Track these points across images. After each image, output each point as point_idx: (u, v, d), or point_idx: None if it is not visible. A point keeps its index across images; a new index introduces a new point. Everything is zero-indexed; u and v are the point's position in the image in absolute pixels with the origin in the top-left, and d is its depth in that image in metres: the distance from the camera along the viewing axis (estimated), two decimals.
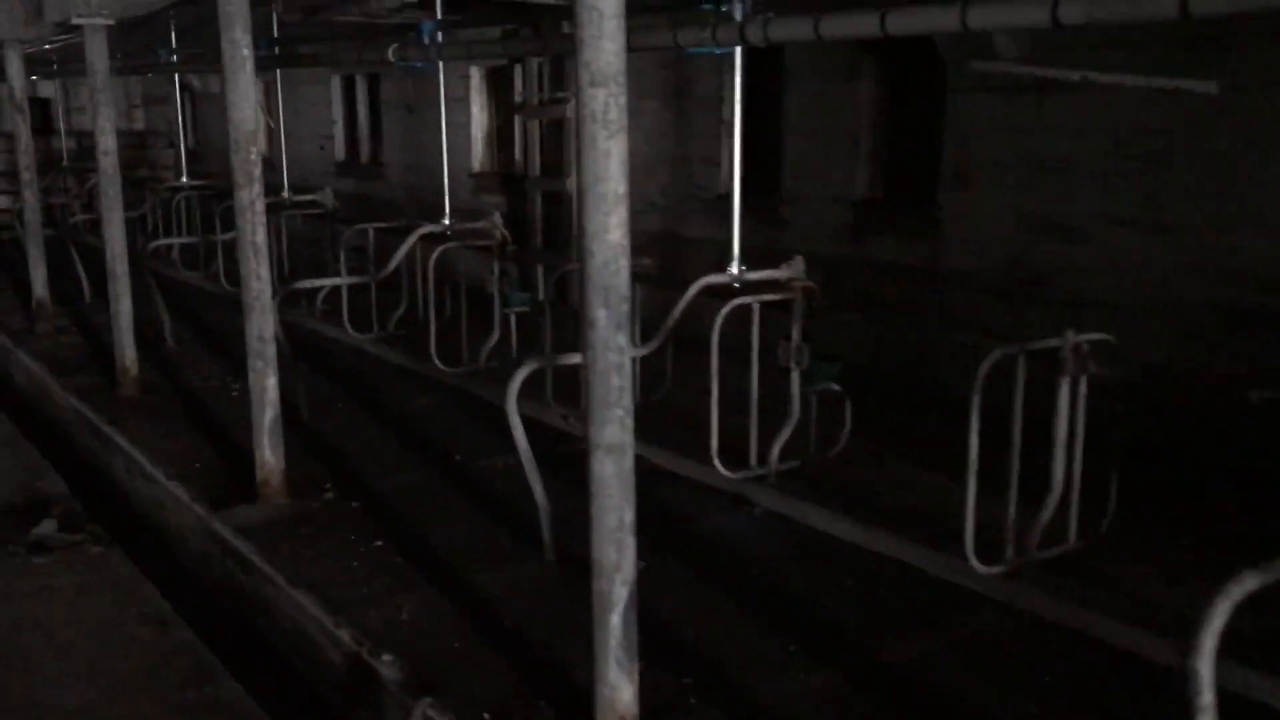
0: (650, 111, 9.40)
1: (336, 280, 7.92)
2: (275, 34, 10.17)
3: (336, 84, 14.45)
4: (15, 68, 9.45)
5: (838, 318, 6.47)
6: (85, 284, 11.21)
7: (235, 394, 7.76)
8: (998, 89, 6.69)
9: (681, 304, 5.44)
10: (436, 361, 7.59)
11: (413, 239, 7.56)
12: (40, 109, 21.36)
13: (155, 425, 7.06)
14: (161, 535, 6.11)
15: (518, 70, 11.29)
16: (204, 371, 8.41)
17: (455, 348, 7.80)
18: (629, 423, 3.20)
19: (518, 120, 11.36)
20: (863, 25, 5.33)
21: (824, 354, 5.48)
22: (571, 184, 10.39)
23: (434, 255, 7.46)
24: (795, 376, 5.45)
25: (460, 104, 11.93)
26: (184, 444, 6.70)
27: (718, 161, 8.85)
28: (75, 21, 7.10)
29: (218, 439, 6.76)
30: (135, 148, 19.23)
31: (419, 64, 7.88)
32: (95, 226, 13.81)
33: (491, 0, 8.58)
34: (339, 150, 14.68)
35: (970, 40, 6.90)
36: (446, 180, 8.32)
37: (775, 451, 5.47)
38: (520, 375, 4.64)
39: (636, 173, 9.62)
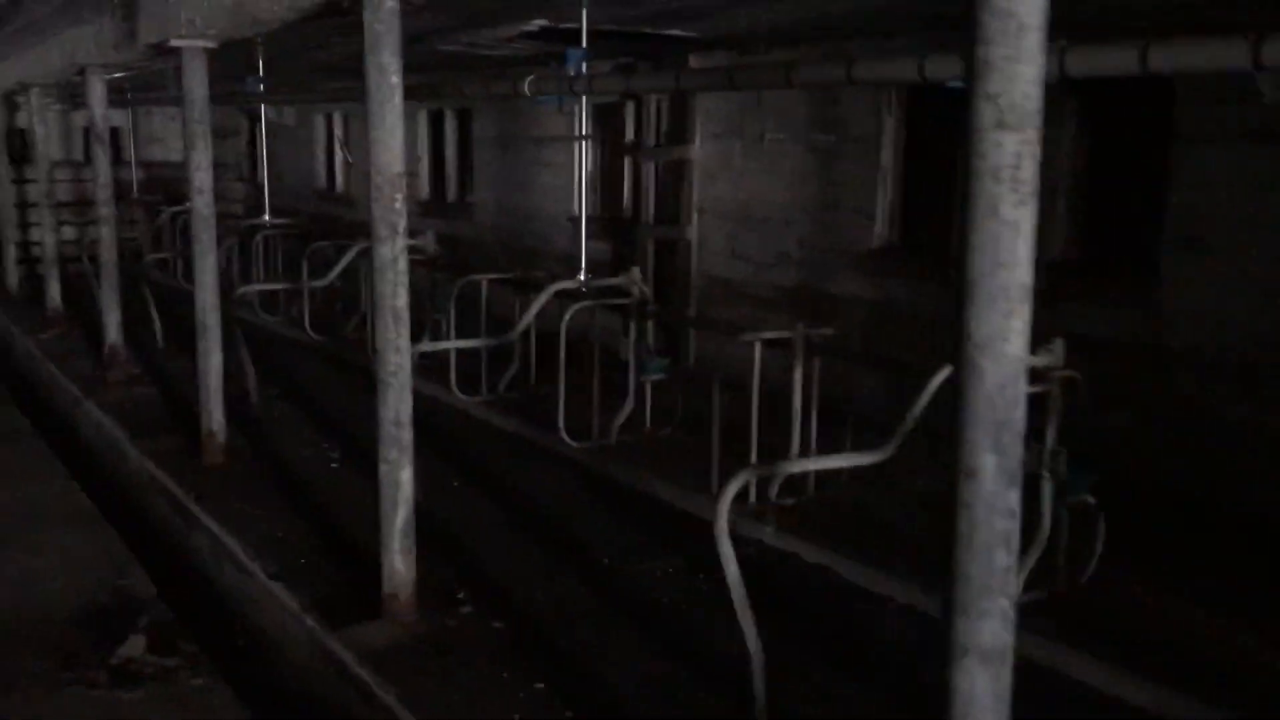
0: (790, 153, 8.46)
1: (471, 343, 6.97)
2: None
3: (423, 118, 13.68)
4: (97, 95, 8.70)
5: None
6: (158, 327, 10.41)
7: (335, 466, 6.86)
8: (1245, 136, 5.68)
9: (924, 395, 4.40)
10: (564, 435, 6.63)
11: (545, 296, 6.63)
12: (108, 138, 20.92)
13: (247, 503, 6.15)
14: (255, 636, 5.20)
15: (629, 107, 10.42)
16: (297, 437, 7.52)
17: (580, 417, 6.85)
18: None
19: (628, 161, 10.48)
20: (1116, 60, 4.39)
21: (1080, 459, 4.45)
22: (691, 232, 9.48)
23: (567, 315, 6.51)
24: (1048, 487, 4.42)
25: (563, 143, 11.07)
26: (283, 529, 5.78)
27: (872, 212, 7.88)
28: (175, 44, 6.29)
29: (322, 525, 5.84)
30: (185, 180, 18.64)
31: (557, 99, 7.00)
32: (165, 264, 13.13)
33: (621, 32, 7.70)
34: (423, 189, 13.88)
35: (1217, 81, 5.94)
36: (584, 229, 7.34)
37: (1020, 580, 4.43)
38: (732, 489, 3.66)
39: (773, 221, 8.67)
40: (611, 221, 10.67)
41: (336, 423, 7.85)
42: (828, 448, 5.73)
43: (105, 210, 8.84)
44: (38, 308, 12.51)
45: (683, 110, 9.43)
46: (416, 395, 8.71)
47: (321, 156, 16.57)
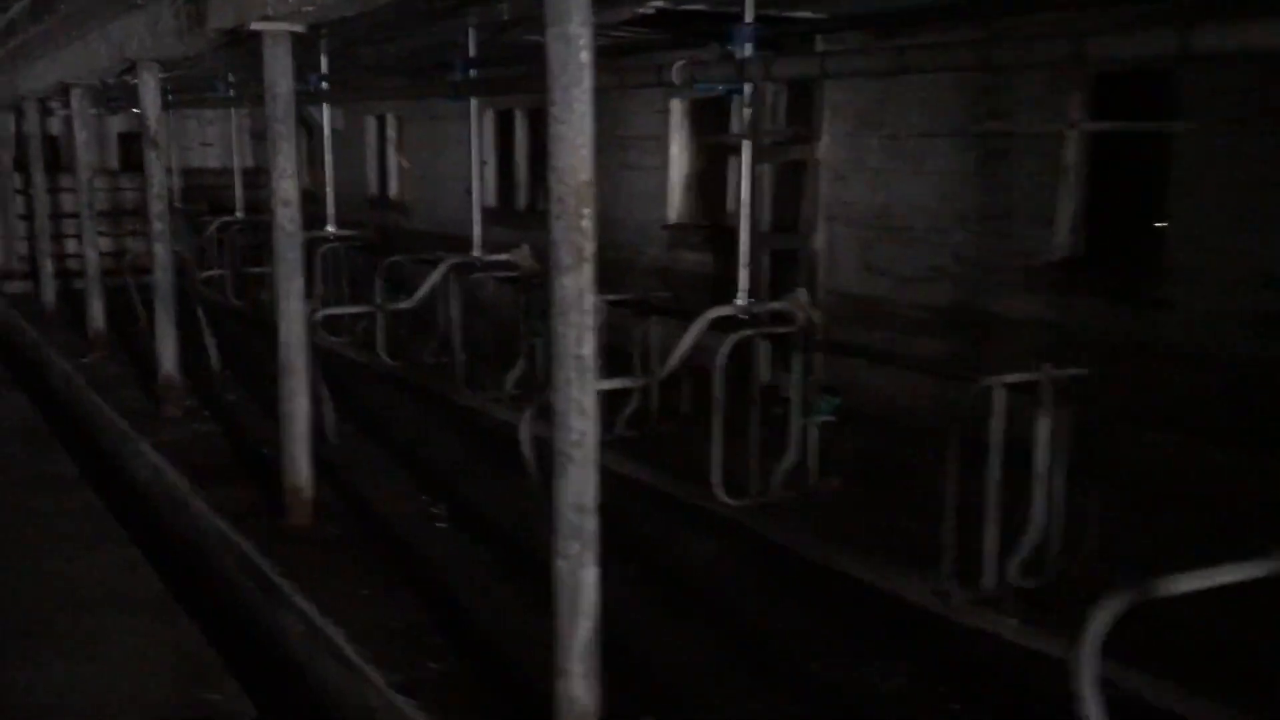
0: (943, 151, 7.36)
1: (620, 382, 5.82)
2: (471, 55, 8.32)
3: (489, 120, 12.62)
4: (150, 92, 7.69)
5: None
6: (214, 353, 9.39)
7: (443, 526, 5.79)
8: None
9: None
10: (720, 492, 5.53)
11: (701, 324, 5.53)
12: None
13: (346, 578, 5.09)
14: None
15: (735, 102, 9.31)
16: (390, 487, 6.46)
17: (727, 465, 5.75)
18: None
19: (732, 163, 9.38)
20: None
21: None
22: (816, 242, 8.38)
23: (725, 348, 5.40)
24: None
25: (654, 144, 10.01)
26: (397, 616, 4.71)
27: (1050, 218, 6.76)
28: (256, 27, 5.25)
29: (447, 612, 4.77)
30: (245, 186, 17.64)
31: (720, 88, 5.93)
32: (210, 281, 12.14)
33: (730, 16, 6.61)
34: (489, 195, 12.82)
35: None
36: (745, 244, 6.22)
37: None
38: (1101, 624, 2.55)
39: (918, 229, 7.55)
40: (713, 230, 9.59)
41: (431, 468, 6.80)
42: (1076, 518, 4.64)
43: (159, 224, 7.82)
44: (76, 328, 11.54)
45: (806, 103, 8.33)
46: (505, 425, 7.71)
47: (373, 161, 15.55)
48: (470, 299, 7.96)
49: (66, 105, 15.05)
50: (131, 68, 7.90)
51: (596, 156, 11.69)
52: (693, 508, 5.78)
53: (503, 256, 7.87)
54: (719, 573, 5.09)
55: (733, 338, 5.44)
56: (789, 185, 8.47)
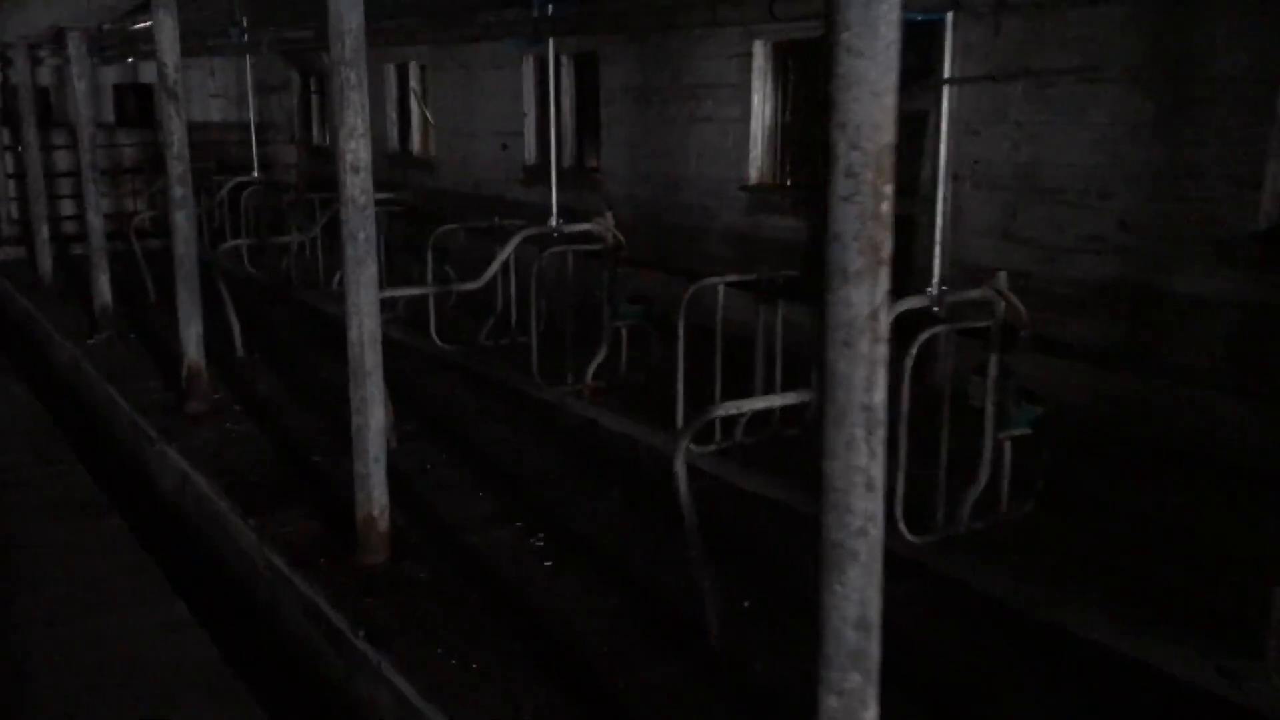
0: (1110, 99, 6.23)
1: (782, 399, 4.65)
2: None
3: (529, 68, 11.42)
4: (168, 34, 6.52)
5: None
6: (237, 334, 8.28)
7: (549, 565, 4.73)
8: None
9: None
10: (903, 527, 4.46)
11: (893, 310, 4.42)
12: (138, 96, 18.63)
13: (444, 641, 4.04)
14: None
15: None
16: (470, 508, 5.39)
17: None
18: None
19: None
20: None
21: None
22: (939, 206, 7.25)
23: (913, 347, 4.29)
24: None
25: (734, 93, 8.84)
26: (516, 695, 3.67)
27: (1256, 181, 5.66)
28: None
29: (581, 689, 3.72)
30: (237, 142, 16.40)
31: (920, 17, 4.81)
32: (227, 250, 10.97)
33: None
34: (528, 152, 11.66)
35: None
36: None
37: None
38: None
39: (1073, 191, 6.36)
40: (803, 191, 8.46)
41: (514, 480, 5.74)
42: None
43: (180, 189, 6.68)
44: (76, 302, 10.41)
45: (926, 40, 7.16)
46: (591, 424, 6.62)
47: (393, 114, 14.32)
48: (540, 274, 6.82)
49: (58, 52, 13.82)
50: (144, 6, 6.71)
51: (653, 107, 10.37)
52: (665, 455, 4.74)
53: (583, 227, 6.74)
54: (916, 631, 4.04)
55: (922, 336, 4.34)
56: (905, 140, 7.33)
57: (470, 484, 5.71)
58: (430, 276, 7.67)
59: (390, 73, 14.16)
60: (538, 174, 11.50)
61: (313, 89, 16.65)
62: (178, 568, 5.20)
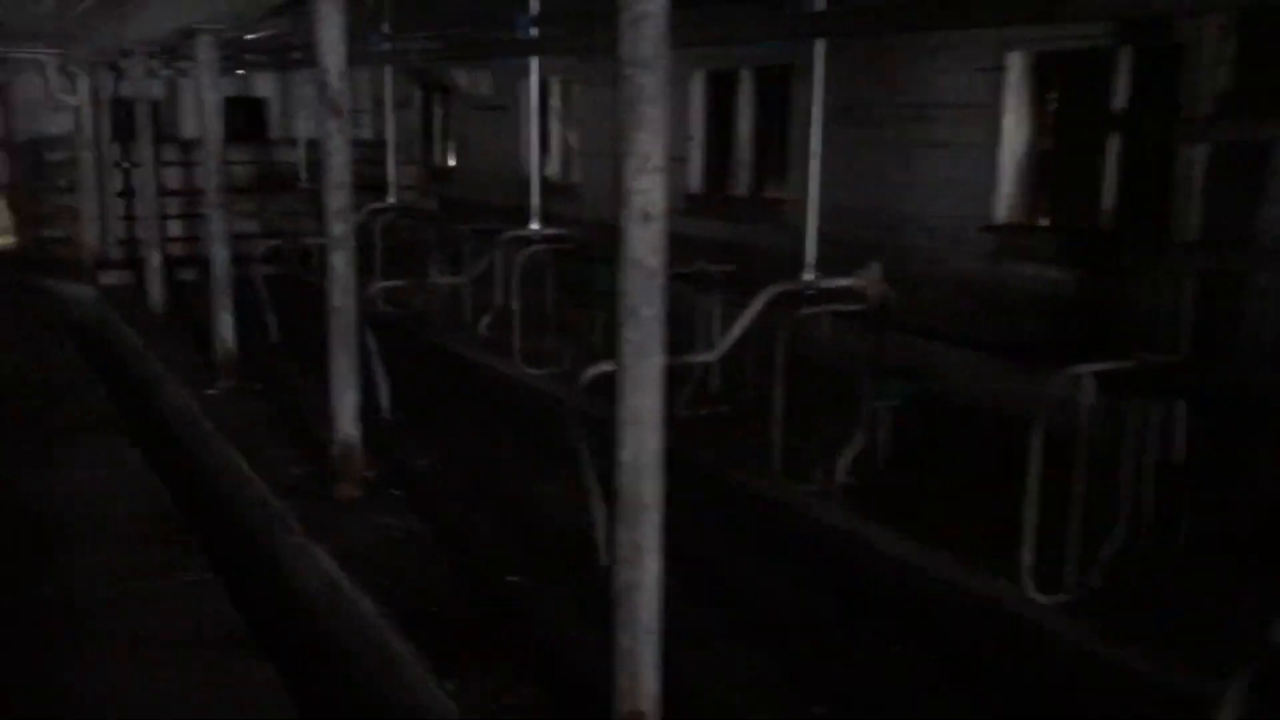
0: None
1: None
2: None
3: (699, 82, 10.06)
4: (331, 34, 5.25)
5: None
6: (385, 394, 6.98)
7: None
8: None
9: None
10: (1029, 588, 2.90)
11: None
12: (248, 110, 17.64)
13: None
14: None
15: (1122, 56, 6.62)
16: (733, 672, 3.96)
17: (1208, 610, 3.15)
18: None
19: (1112, 142, 6.71)
20: None
21: None
22: None
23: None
24: None
25: (974, 114, 7.36)
26: None
27: None
28: None
29: None
30: (364, 161, 15.27)
31: None
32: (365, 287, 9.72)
33: None
34: (694, 179, 10.29)
35: None
36: None
37: None
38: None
39: None
40: (1070, 235, 6.95)
41: (761, 619, 4.31)
42: None
43: (340, 225, 5.39)
44: (189, 338, 9.27)
45: (1269, 54, 5.65)
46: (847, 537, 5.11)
47: (528, 135, 13.02)
48: (787, 339, 5.36)
49: (170, 63, 12.80)
50: (297, 3, 5.45)
51: (861, 130, 8.38)
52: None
53: (843, 282, 5.29)
54: None
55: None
56: (1233, 177, 5.80)
57: (721, 633, 4.28)
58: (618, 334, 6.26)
59: (527, 88, 12.89)
60: (704, 204, 10.13)
61: (435, 105, 15.49)
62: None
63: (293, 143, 14.88)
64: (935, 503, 5.19)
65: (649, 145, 3.04)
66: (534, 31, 7.45)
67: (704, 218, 10.10)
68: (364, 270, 10.41)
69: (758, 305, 5.04)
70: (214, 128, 7.64)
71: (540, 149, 12.97)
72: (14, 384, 8.38)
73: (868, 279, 5.24)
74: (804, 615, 4.46)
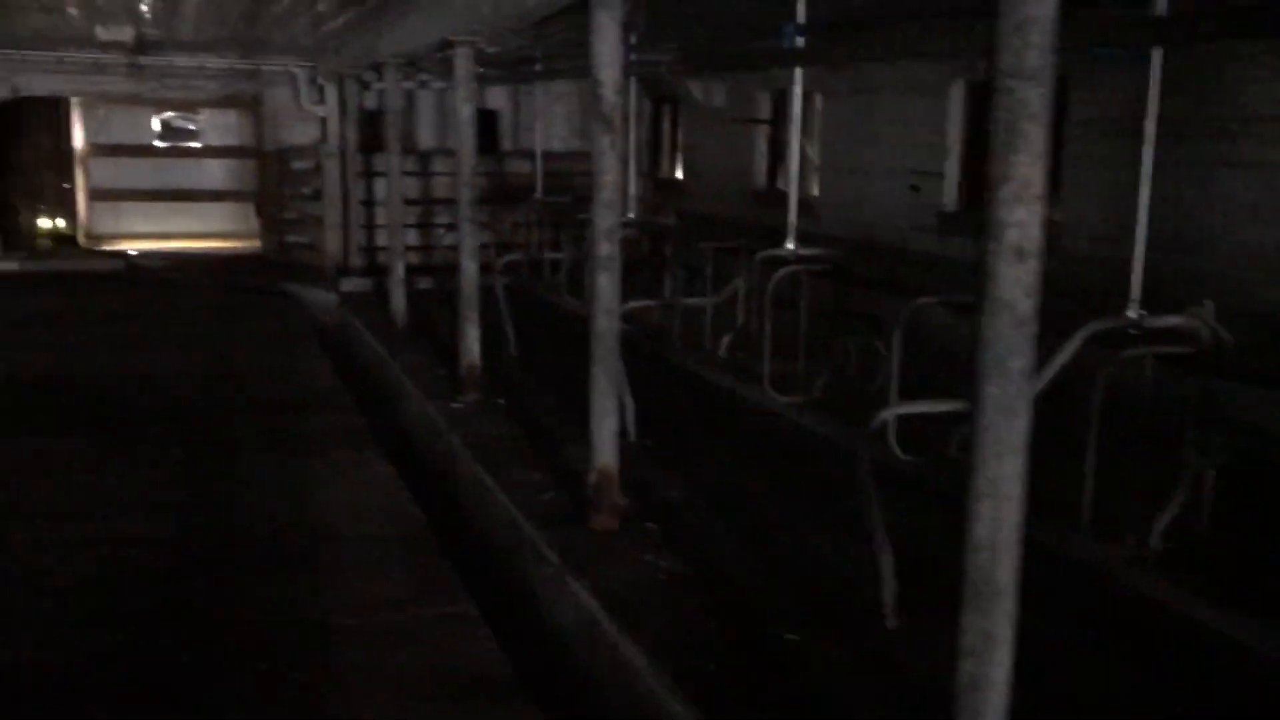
0: None
1: None
2: None
3: (958, 93, 9.43)
4: (607, 42, 4.99)
5: None
6: (632, 417, 6.69)
7: None
8: None
9: None
10: None
11: None
12: (481, 124, 17.91)
13: None
14: None
15: None
16: None
17: None
18: None
19: None
20: None
21: None
22: None
23: None
24: None
25: None
26: None
27: None
28: None
29: None
30: (583, 173, 15.23)
31: None
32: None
33: None
34: (948, 196, 9.66)
35: None
36: None
37: None
38: None
39: None
40: None
41: None
42: None
43: (608, 245, 5.12)
44: (428, 348, 9.32)
45: None
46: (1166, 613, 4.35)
47: (763, 148, 12.69)
48: (1110, 385, 4.73)
49: (411, 75, 13.09)
50: (573, 8, 5.23)
51: (1164, 145, 7.07)
52: None
53: (1171, 321, 4.65)
54: None
55: None
56: None
57: None
58: (895, 369, 5.75)
59: (764, 100, 12.54)
60: (958, 223, 9.49)
61: (664, 117, 15.31)
62: None
63: (525, 155, 15.00)
64: (1270, 576, 4.49)
65: (1028, 169, 2.57)
66: (800, 41, 7.02)
67: (954, 237, 9.47)
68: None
69: (1074, 344, 4.46)
70: (468, 140, 7.59)
71: (774, 161, 12.65)
72: (269, 390, 8.58)
73: (1200, 318, 4.57)
74: (1123, 696, 3.88)
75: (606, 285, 5.20)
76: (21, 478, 6.55)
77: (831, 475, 6.15)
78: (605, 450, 5.34)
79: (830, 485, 6.01)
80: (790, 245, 7.41)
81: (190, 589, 4.99)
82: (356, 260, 13.23)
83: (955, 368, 5.65)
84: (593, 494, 5.40)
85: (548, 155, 15.81)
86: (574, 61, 11.97)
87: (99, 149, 17.45)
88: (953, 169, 9.59)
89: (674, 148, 15.06)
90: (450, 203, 13.81)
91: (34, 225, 16.75)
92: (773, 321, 7.25)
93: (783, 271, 7.08)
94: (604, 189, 5.12)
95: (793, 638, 4.34)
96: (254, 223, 17.34)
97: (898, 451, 5.58)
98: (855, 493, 4.31)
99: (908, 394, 5.63)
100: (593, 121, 5.13)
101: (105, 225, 17.47)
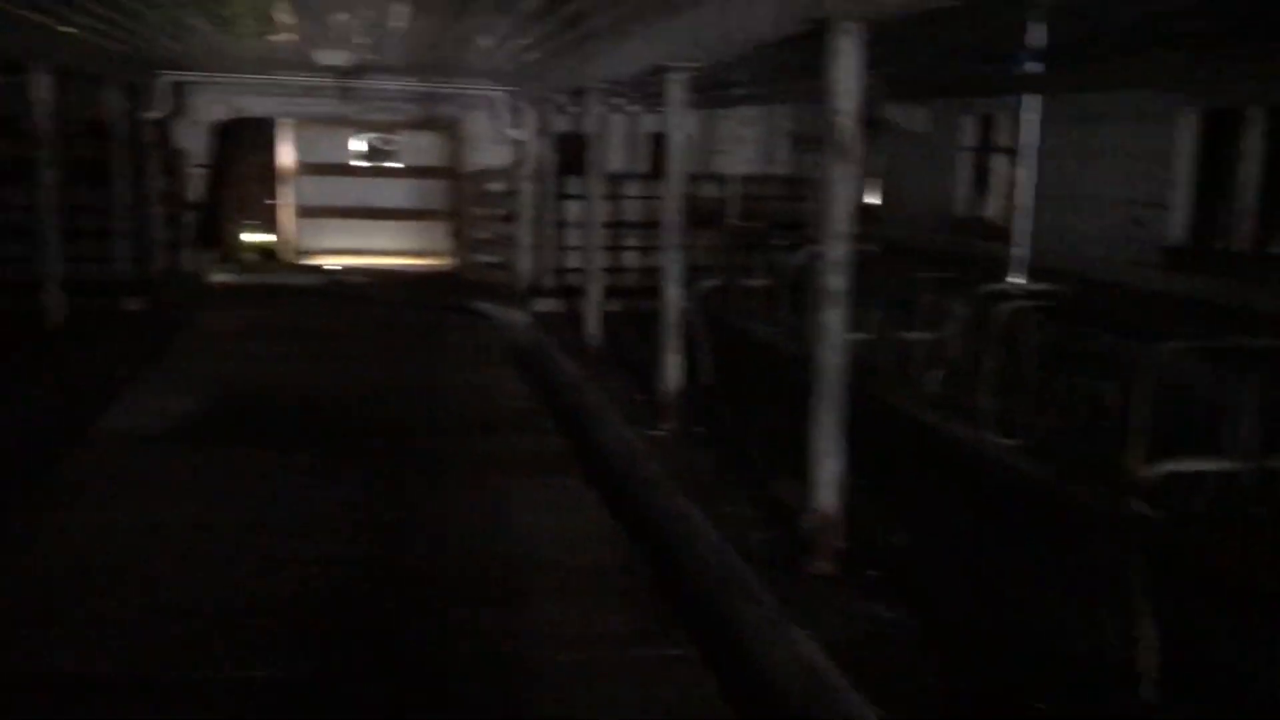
0: None
1: None
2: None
3: (1188, 121, 8.85)
4: (848, 72, 4.80)
5: None
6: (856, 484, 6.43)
7: None
8: None
9: None
10: None
11: None
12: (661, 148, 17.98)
13: None
14: None
15: None
16: None
17: None
18: None
19: None
20: None
21: None
22: None
23: None
24: None
25: None
26: None
27: None
28: None
29: None
30: (781, 198, 15.04)
31: None
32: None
33: None
34: (1175, 229, 9.06)
35: None
36: None
37: None
38: None
39: None
40: None
41: None
42: None
43: (836, 279, 4.93)
44: (622, 373, 9.29)
45: None
46: None
47: (966, 175, 12.25)
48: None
49: (606, 99, 13.16)
50: (812, 34, 5.08)
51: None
52: None
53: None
54: None
55: None
56: None
57: None
58: (1146, 419, 5.33)
59: (967, 124, 12.11)
60: (1187, 259, 8.89)
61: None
62: None
63: (713, 179, 14.92)
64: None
65: None
66: (1036, 67, 6.70)
67: (1182, 275, 8.87)
68: (796, 312, 10.11)
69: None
70: (678, 166, 7.54)
71: (978, 188, 12.20)
72: (472, 409, 8.69)
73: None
74: None
75: (834, 320, 5.01)
76: (231, 490, 6.76)
77: (1059, 524, 5.79)
78: (827, 492, 5.14)
79: (1059, 535, 5.65)
80: (1016, 279, 7.05)
81: (397, 620, 4.99)
82: (548, 281, 13.39)
83: (1191, 416, 5.24)
84: (812, 536, 5.21)
85: (751, 179, 15.64)
86: (777, 86, 11.83)
87: (307, 167, 18.25)
88: (1181, 200, 8.99)
89: (869, 172, 14.70)
90: (640, 226, 13.92)
91: (238, 239, 17.64)
92: (996, 359, 6.90)
93: (1008, 307, 6.73)
94: (834, 220, 4.95)
95: (1040, 706, 4.04)
96: (445, 241, 17.81)
97: (1145, 508, 5.19)
98: (1107, 551, 4.00)
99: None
100: (826, 150, 4.96)
101: (309, 241, 18.24)
